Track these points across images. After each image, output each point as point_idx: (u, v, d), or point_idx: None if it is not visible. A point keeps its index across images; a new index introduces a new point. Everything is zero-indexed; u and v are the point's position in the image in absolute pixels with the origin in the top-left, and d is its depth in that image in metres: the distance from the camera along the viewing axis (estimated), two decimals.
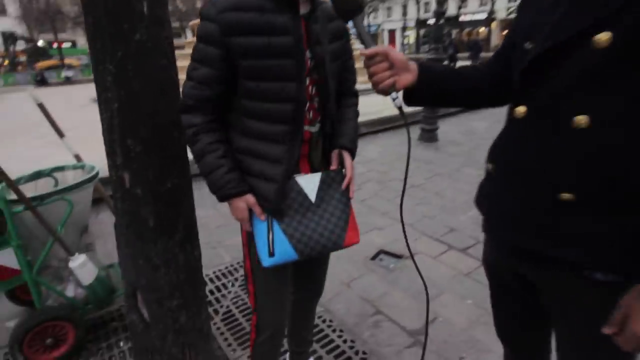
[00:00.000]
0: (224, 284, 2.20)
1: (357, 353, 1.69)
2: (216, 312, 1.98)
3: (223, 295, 2.10)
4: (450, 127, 5.32)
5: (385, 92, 0.86)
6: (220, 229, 2.84)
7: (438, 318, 1.90)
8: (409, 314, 1.93)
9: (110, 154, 1.22)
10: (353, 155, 1.19)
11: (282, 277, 1.20)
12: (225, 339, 1.79)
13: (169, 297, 1.34)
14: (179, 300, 1.36)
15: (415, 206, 3.11)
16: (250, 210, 1.09)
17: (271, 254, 1.06)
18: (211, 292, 2.13)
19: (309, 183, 1.10)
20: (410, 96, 0.92)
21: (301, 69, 1.02)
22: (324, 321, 1.89)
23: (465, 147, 4.54)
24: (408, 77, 0.88)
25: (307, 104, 1.07)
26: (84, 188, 1.78)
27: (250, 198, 1.06)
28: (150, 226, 1.26)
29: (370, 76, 0.86)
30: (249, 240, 1.17)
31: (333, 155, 1.16)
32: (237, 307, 2.01)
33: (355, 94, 1.28)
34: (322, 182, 1.11)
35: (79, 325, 1.68)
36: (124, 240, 1.29)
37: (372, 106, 5.78)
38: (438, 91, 0.93)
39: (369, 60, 0.84)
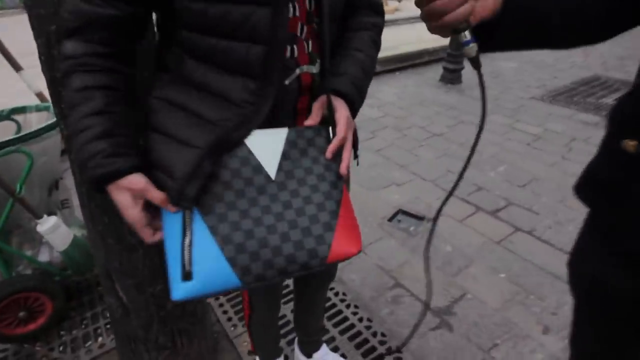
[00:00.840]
0: None
1: (374, 335, 1.48)
2: None
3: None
4: None
5: (454, 27, 0.53)
6: None
7: (467, 294, 1.67)
8: (433, 289, 1.70)
9: (54, 98, 0.87)
10: (354, 108, 0.75)
11: None
12: (225, 312, 1.58)
13: (151, 282, 1.08)
14: (164, 284, 1.10)
15: (438, 159, 2.78)
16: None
17: (186, 275, 0.58)
18: None
19: (266, 145, 0.63)
20: (490, 35, 0.57)
21: None
22: (336, 294, 1.66)
23: (492, 91, 4.07)
24: (488, 4, 0.54)
25: (304, 30, 0.68)
26: (49, 135, 1.45)
27: (134, 180, 0.60)
28: None
29: (423, 2, 0.52)
30: None
31: (315, 106, 0.70)
32: None
33: (377, 10, 0.84)
34: (291, 144, 0.65)
35: (57, 294, 1.46)
36: (87, 213, 0.99)
37: (387, 40, 5.20)
38: (530, 22, 0.58)
39: None
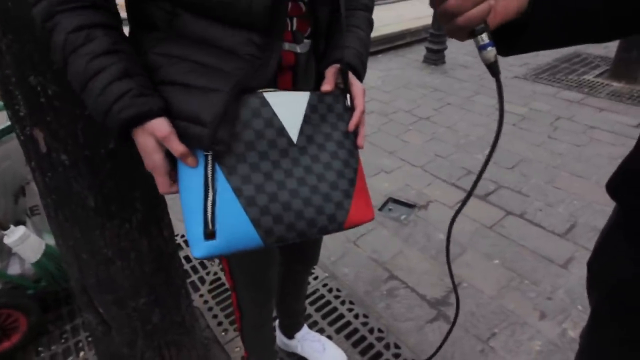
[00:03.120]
0: None
1: (371, 331, 1.44)
2: (202, 280, 1.68)
3: (209, 259, 1.79)
4: (457, 48, 4.72)
5: (470, 29, 0.47)
6: None
7: (462, 283, 1.64)
8: (428, 279, 1.67)
9: (6, 99, 0.76)
10: (361, 79, 0.73)
11: (262, 251, 0.78)
12: (215, 316, 1.51)
13: (133, 296, 0.99)
14: (148, 297, 1.02)
15: (426, 143, 2.73)
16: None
17: (209, 235, 0.56)
18: None
19: (289, 108, 0.61)
20: (515, 37, 0.51)
21: None
22: (330, 291, 1.61)
23: (476, 71, 4.03)
24: (511, 4, 0.49)
25: (289, 5, 0.61)
26: (12, 137, 1.32)
27: (160, 125, 0.54)
28: (90, 207, 0.86)
29: (436, 1, 0.46)
30: None
31: (328, 72, 0.68)
32: None
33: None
34: (312, 109, 0.63)
35: (31, 309, 1.36)
36: (55, 227, 0.90)
37: None
38: (568, 17, 0.50)
39: None
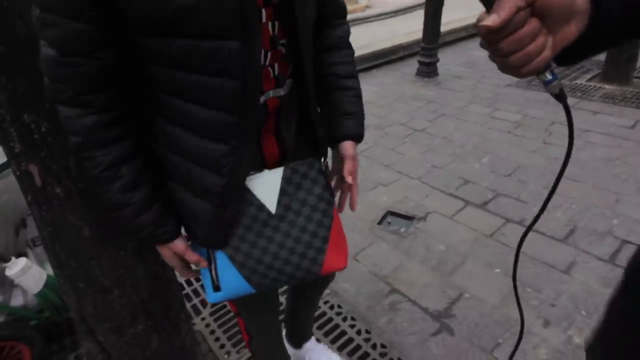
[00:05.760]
0: None
1: (374, 347, 1.43)
2: (204, 303, 1.68)
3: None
4: (449, 59, 4.80)
5: (536, 72, 0.45)
6: None
7: (464, 294, 1.63)
8: (430, 292, 1.66)
9: (1, 136, 0.79)
10: (360, 140, 0.82)
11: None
12: (217, 339, 1.51)
13: (131, 323, 1.00)
14: (146, 324, 1.03)
15: (422, 155, 2.75)
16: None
17: (216, 288, 0.77)
18: (196, 278, 1.81)
19: (265, 186, 0.72)
20: (575, 51, 0.48)
21: (248, 8, 0.53)
22: (331, 308, 1.61)
23: (469, 81, 4.08)
24: (570, 31, 0.44)
25: (269, 56, 0.66)
26: (11, 172, 1.35)
27: (177, 246, 0.72)
28: (85, 237, 0.87)
29: (501, 54, 0.43)
30: None
31: (346, 166, 0.79)
32: None
33: (344, 14, 0.84)
34: (286, 182, 0.73)
35: (34, 341, 1.37)
36: (53, 258, 0.91)
37: (361, 38, 5.17)
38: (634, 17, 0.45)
39: (497, 33, 0.40)
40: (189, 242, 0.76)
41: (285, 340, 1.37)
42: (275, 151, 0.77)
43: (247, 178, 0.70)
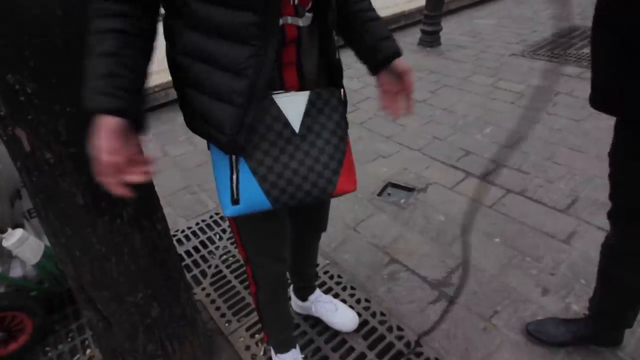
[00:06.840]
0: (209, 238, 1.88)
1: (374, 315, 1.45)
2: (204, 274, 1.69)
3: (210, 252, 1.79)
4: (453, 28, 4.65)
5: None
6: (200, 169, 2.43)
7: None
8: (429, 261, 1.66)
9: None
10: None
11: (273, 220, 0.93)
12: (217, 308, 1.52)
13: (130, 291, 1.00)
14: (145, 292, 1.03)
15: (423, 126, 2.70)
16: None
17: (235, 201, 0.79)
18: (196, 249, 1.82)
19: (292, 105, 0.77)
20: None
21: None
22: (331, 277, 1.61)
23: (472, 50, 3.97)
24: None
25: None
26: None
27: (108, 123, 0.61)
28: (80, 204, 0.86)
29: None
30: None
31: (404, 73, 0.87)
32: (227, 266, 1.71)
33: None
34: (311, 104, 0.79)
35: (35, 311, 1.38)
36: (47, 226, 0.90)
37: None
38: None
39: None
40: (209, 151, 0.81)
41: (292, 295, 1.44)
42: (295, 82, 0.79)
43: (276, 95, 0.74)
